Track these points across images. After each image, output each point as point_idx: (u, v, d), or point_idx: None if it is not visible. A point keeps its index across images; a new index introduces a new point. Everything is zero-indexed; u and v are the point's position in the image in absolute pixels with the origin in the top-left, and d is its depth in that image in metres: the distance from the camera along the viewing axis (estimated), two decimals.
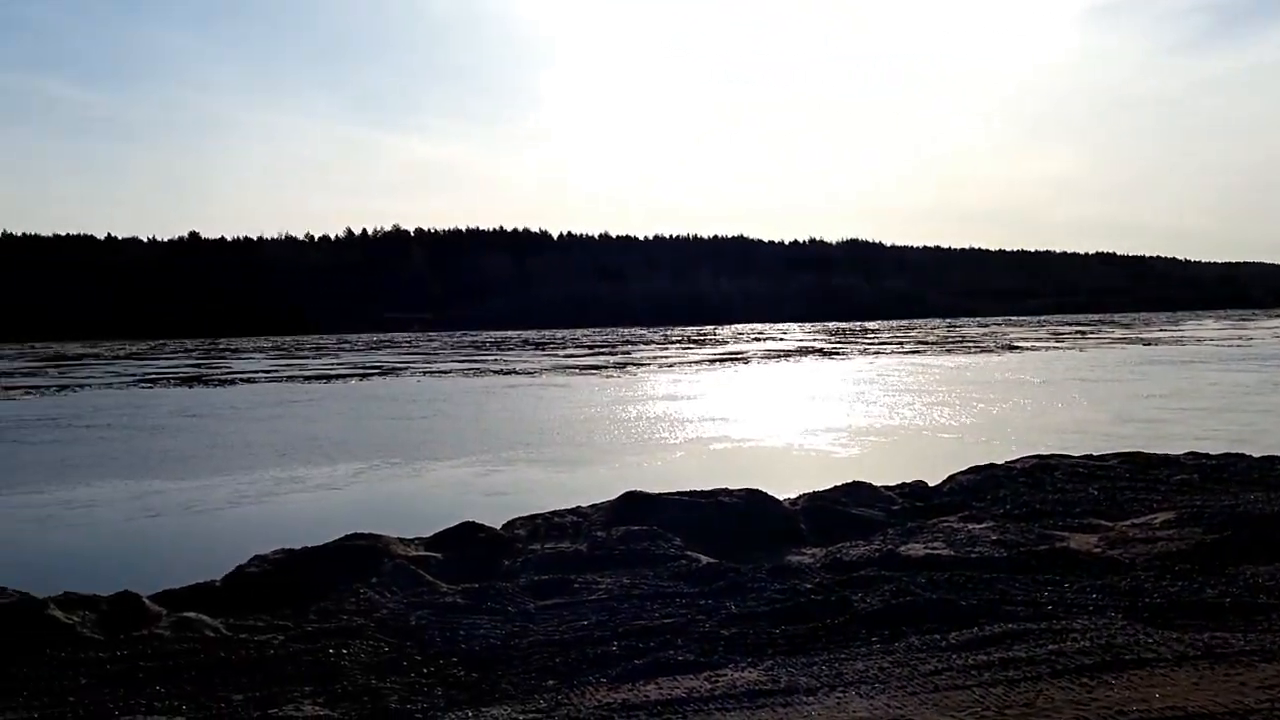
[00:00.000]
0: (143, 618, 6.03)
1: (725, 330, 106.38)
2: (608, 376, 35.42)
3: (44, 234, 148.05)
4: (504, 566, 7.52)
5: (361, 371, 41.51)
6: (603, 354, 55.02)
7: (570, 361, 47.02)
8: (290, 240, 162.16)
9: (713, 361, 44.35)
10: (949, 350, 50.22)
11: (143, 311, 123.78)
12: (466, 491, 12.73)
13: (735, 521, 8.60)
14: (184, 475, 14.19)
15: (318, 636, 5.76)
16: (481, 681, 5.01)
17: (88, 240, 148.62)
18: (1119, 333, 73.29)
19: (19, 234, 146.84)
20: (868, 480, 10.20)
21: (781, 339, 75.13)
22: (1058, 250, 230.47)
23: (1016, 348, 51.64)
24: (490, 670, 5.18)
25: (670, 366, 40.98)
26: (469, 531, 8.25)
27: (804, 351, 52.40)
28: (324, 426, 20.31)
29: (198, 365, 50.43)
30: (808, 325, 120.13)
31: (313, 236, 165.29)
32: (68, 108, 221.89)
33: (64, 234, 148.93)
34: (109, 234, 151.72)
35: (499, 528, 8.61)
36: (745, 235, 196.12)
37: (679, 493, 9.32)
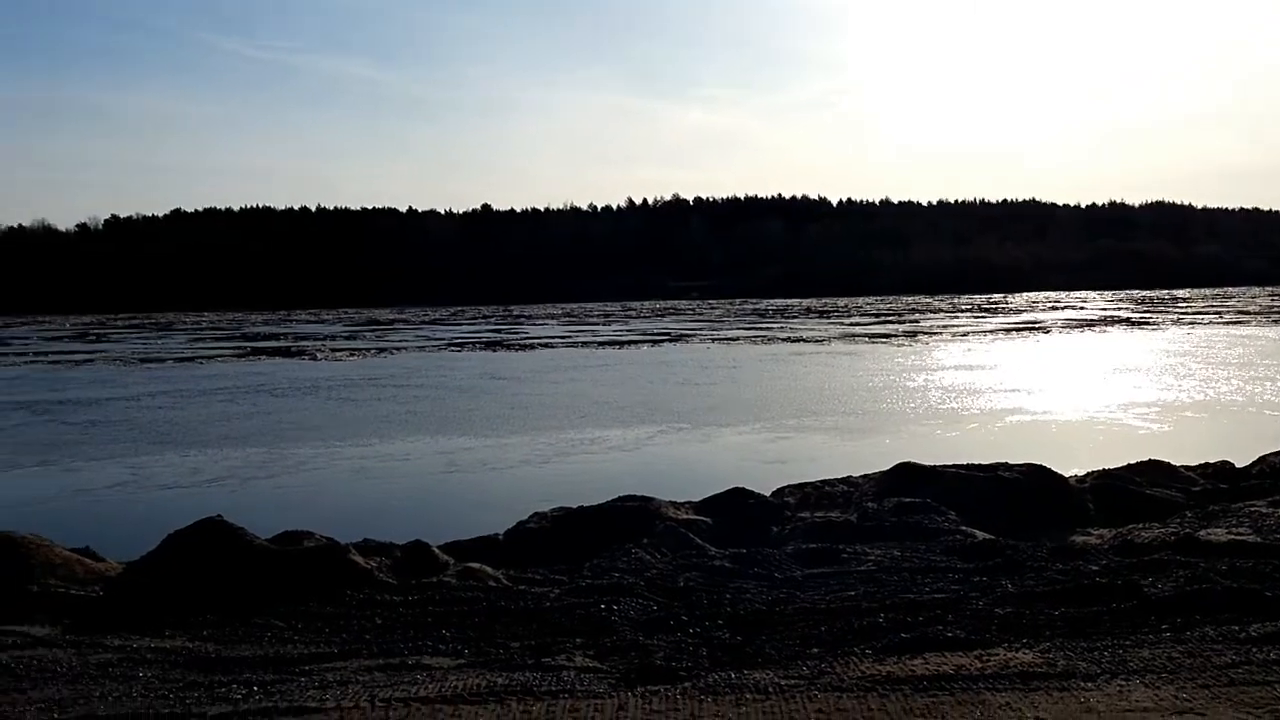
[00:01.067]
0: (432, 566, 6.46)
1: (1018, 299, 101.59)
2: (898, 345, 34.66)
3: (353, 208, 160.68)
4: (772, 533, 7.54)
5: (652, 338, 42.45)
6: (889, 322, 53.87)
7: (857, 330, 46.32)
8: (574, 211, 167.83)
9: (1008, 331, 42.52)
10: (1277, 321, 45.85)
11: (443, 279, 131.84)
12: (742, 457, 12.84)
13: (1015, 498, 8.23)
14: (483, 434, 15.05)
15: (590, 592, 5.98)
16: (745, 645, 5.05)
17: (392, 213, 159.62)
18: None
19: (331, 208, 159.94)
20: (1166, 459, 9.51)
21: (1081, 308, 70.97)
22: None
23: None
24: (755, 634, 5.21)
25: (963, 336, 39.60)
26: (739, 497, 8.32)
27: (1108, 321, 49.30)
28: (614, 391, 21.00)
29: (497, 330, 53.15)
30: (1108, 293, 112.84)
31: (595, 206, 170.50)
32: (366, 88, 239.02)
33: (370, 207, 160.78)
34: (410, 207, 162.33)
35: (769, 494, 8.64)
36: (1038, 199, 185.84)
37: (956, 465, 9.01)
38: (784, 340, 38.49)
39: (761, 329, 48.58)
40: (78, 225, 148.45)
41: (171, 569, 6.22)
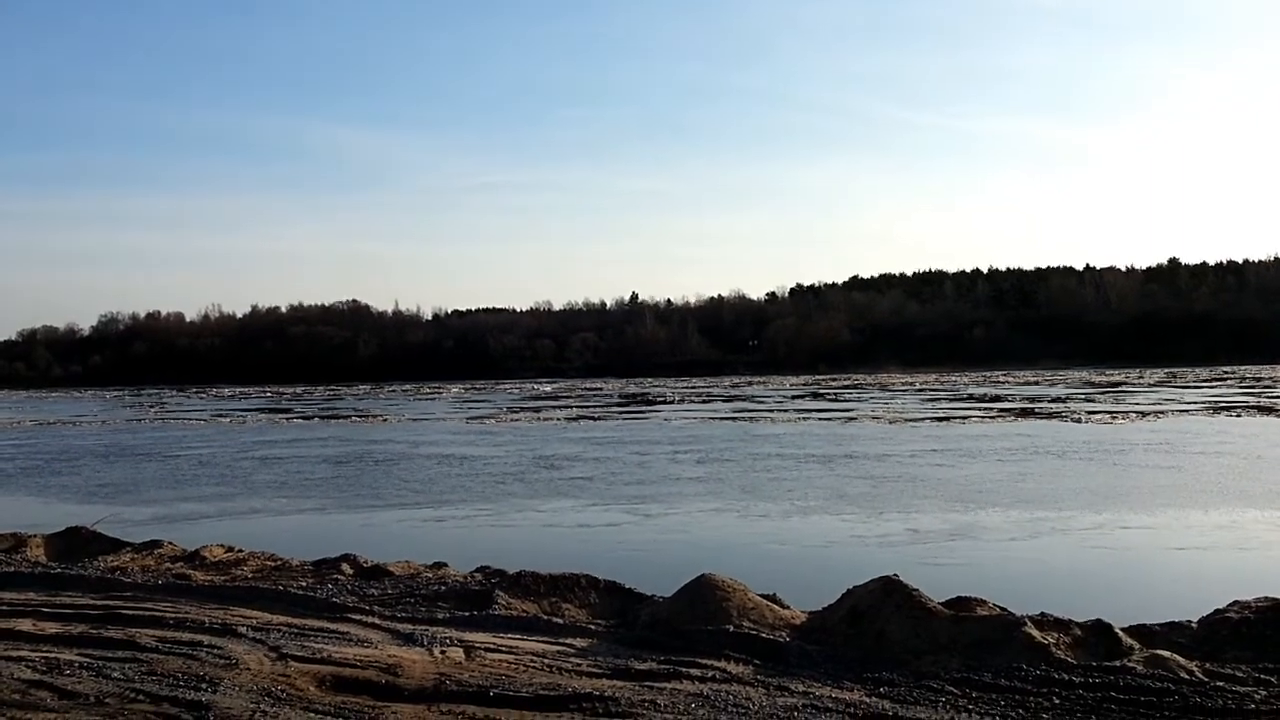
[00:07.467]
0: (1115, 649, 6.05)
1: None
2: None
3: (1026, 267, 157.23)
4: None
5: None
6: None
7: None
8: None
9: None
10: None
11: (1122, 336, 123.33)
12: None
13: None
14: (1226, 507, 13.77)
15: None
16: None
17: (1069, 271, 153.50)
18: None
19: (1003, 268, 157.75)
20: None
21: None
22: None
23: None
24: None
25: None
26: None
27: None
28: None
29: (1251, 394, 46.89)
30: None
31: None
32: (1062, 149, 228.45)
33: (1047, 266, 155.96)
34: (1087, 264, 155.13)
35: None
36: None
37: None
38: None
39: None
40: (767, 294, 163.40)
41: (850, 622, 6.53)
